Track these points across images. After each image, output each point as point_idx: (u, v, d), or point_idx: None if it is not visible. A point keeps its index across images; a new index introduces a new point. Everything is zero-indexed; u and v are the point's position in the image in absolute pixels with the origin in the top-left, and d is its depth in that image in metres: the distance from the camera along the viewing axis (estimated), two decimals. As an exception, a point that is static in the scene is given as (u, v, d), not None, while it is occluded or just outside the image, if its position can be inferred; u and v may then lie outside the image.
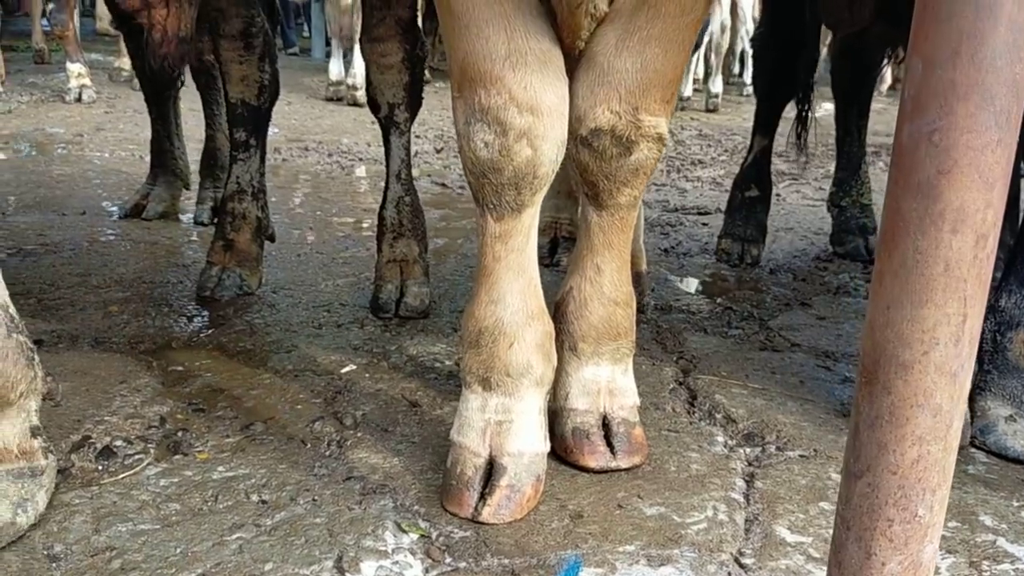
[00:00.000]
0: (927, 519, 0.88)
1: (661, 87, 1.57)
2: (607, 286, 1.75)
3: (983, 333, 1.90)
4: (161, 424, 1.88)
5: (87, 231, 3.42)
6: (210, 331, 2.45)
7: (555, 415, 1.79)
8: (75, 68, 7.16)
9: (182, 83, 3.72)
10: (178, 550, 1.44)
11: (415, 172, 2.79)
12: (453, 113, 1.58)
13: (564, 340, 1.77)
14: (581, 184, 1.70)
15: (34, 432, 1.48)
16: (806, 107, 3.63)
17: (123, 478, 1.66)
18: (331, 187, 4.65)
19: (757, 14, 8.32)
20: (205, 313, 2.59)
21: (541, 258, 1.95)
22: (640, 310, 2.27)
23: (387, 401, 2.05)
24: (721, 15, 9.15)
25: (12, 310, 1.46)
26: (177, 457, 1.75)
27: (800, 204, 4.78)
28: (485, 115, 1.49)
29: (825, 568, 1.14)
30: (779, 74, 3.46)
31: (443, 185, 4.85)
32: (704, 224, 4.15)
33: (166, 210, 3.73)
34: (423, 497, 1.64)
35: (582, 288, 1.76)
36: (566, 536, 1.53)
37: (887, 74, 9.78)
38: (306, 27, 14.67)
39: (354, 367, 2.24)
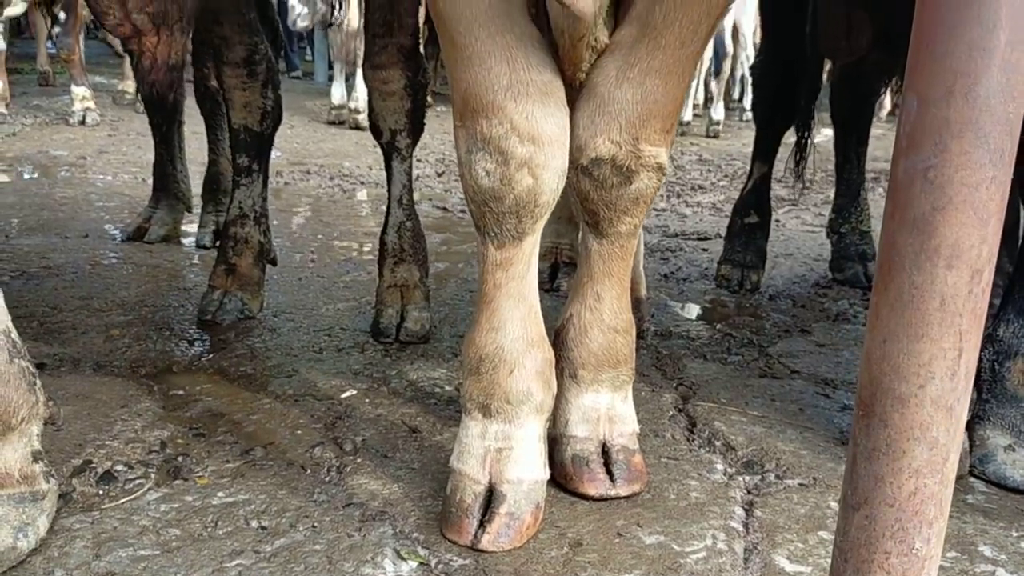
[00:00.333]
0: (924, 552, 0.88)
1: (661, 118, 1.58)
2: (607, 314, 1.76)
3: (981, 362, 1.91)
4: (162, 449, 1.89)
5: (89, 254, 3.43)
6: (211, 355, 2.45)
7: (554, 442, 1.80)
8: (80, 91, 7.22)
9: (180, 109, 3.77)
10: (177, 576, 1.44)
11: (416, 196, 2.81)
12: (455, 142, 1.59)
13: (564, 367, 1.78)
14: (582, 212, 1.71)
15: (36, 457, 1.49)
16: (805, 135, 3.65)
17: (124, 503, 1.66)
18: (332, 210, 4.67)
19: (758, 40, 8.39)
20: (206, 337, 2.60)
21: (541, 283, 1.97)
22: (640, 336, 2.28)
23: (387, 427, 2.06)
24: (724, 42, 9.22)
25: (14, 335, 1.47)
26: (177, 482, 1.75)
27: (799, 230, 4.80)
28: (487, 144, 1.51)
29: (824, 599, 1.14)
30: (779, 102, 3.49)
31: (444, 209, 4.87)
32: (704, 249, 4.16)
33: (168, 233, 3.75)
34: (422, 524, 1.64)
35: (582, 315, 1.77)
36: (565, 565, 1.53)
37: (886, 100, 9.84)
38: (309, 51, 14.78)
39: (354, 392, 2.25)
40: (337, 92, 8.41)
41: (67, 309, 2.75)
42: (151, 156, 3.94)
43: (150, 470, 1.79)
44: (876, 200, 5.05)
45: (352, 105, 8.13)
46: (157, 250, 3.60)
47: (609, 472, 1.75)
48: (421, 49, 2.66)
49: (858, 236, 3.70)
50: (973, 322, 0.82)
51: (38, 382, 1.50)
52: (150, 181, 4.01)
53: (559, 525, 1.65)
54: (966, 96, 0.78)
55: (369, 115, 2.70)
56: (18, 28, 10.97)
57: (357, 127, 7.94)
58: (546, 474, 1.65)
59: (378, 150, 2.79)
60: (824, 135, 4.88)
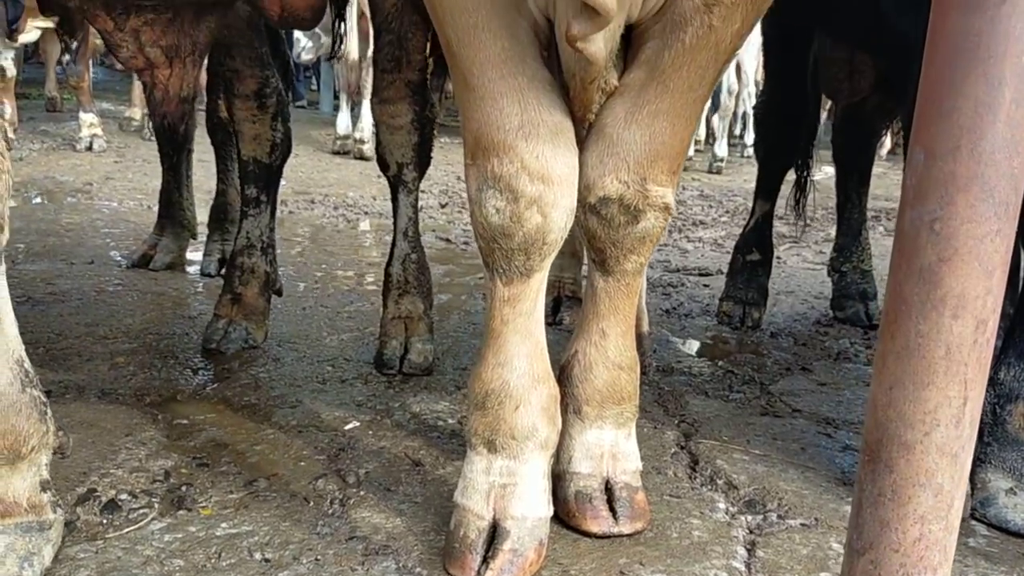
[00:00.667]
0: (929, 597, 0.89)
1: (668, 159, 1.61)
2: (612, 350, 1.77)
3: (983, 405, 1.91)
4: (166, 478, 1.89)
5: (95, 281, 3.45)
6: (215, 384, 2.46)
7: (558, 478, 1.80)
8: (87, 118, 7.28)
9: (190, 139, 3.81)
10: (181, 608, 1.44)
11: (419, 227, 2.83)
12: (466, 180, 1.62)
13: (568, 403, 1.79)
14: (589, 250, 1.73)
15: (43, 486, 1.49)
16: (805, 173, 3.69)
17: (128, 532, 1.67)
18: (336, 240, 4.70)
19: (760, 77, 8.48)
20: (211, 366, 2.61)
21: (544, 317, 1.98)
22: (642, 371, 2.29)
23: (390, 459, 2.06)
24: (728, 80, 9.32)
25: (27, 364, 1.49)
26: (181, 512, 1.76)
27: (801, 267, 4.82)
28: (497, 182, 1.53)
29: (827, 641, 1.15)
30: (781, 141, 3.53)
31: (447, 240, 4.90)
32: (705, 285, 4.19)
33: (173, 261, 3.77)
34: (425, 559, 1.64)
35: (587, 352, 1.78)
36: (568, 602, 1.53)
37: (887, 140, 9.92)
38: (315, 81, 14.90)
39: (358, 424, 2.26)
40: (342, 122, 8.48)
41: (72, 336, 2.76)
42: (157, 183, 3.97)
43: (154, 500, 1.80)
44: (877, 238, 5.08)
45: (357, 135, 8.19)
46: (162, 278, 3.62)
47: (612, 509, 1.75)
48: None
49: (859, 275, 3.72)
50: (978, 371, 0.84)
51: (49, 411, 1.52)
52: (155, 208, 4.04)
53: (562, 562, 1.65)
54: (972, 151, 0.80)
55: (376, 148, 2.73)
56: (26, 54, 11.06)
57: (362, 157, 7.99)
58: (550, 511, 1.66)
59: (382, 180, 2.82)
60: (825, 172, 4.93)
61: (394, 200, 2.74)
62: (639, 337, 2.67)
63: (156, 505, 1.78)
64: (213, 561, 1.59)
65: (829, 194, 4.11)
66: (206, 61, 2.62)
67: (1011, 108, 0.79)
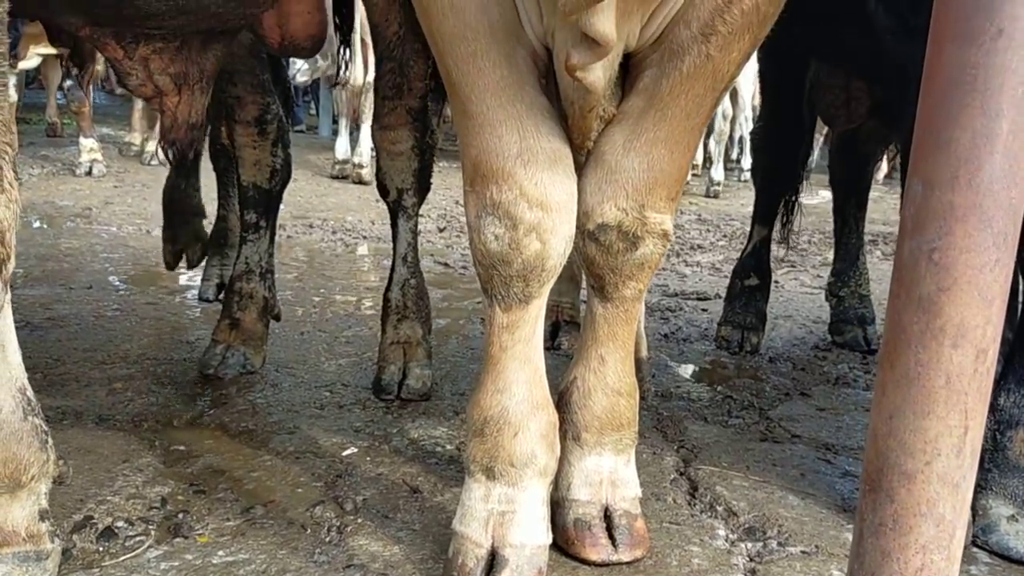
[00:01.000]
0: (932, 628, 0.88)
1: (666, 186, 1.62)
2: (611, 377, 1.77)
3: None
4: (162, 505, 1.88)
5: (93, 306, 3.45)
6: (213, 410, 2.45)
7: (556, 505, 1.79)
8: (88, 143, 7.31)
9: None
10: (177, 638, 1.43)
11: (417, 252, 2.84)
12: (465, 206, 1.62)
13: (567, 430, 1.79)
14: (587, 277, 1.74)
15: (42, 515, 1.48)
16: (793, 197, 3.70)
17: (124, 560, 1.66)
18: (334, 265, 4.70)
19: (756, 101, 8.53)
20: (208, 391, 2.60)
21: (543, 342, 1.98)
22: (641, 397, 2.28)
23: (388, 486, 2.05)
24: (722, 104, 9.36)
25: (30, 392, 1.49)
26: (178, 540, 1.75)
27: (798, 292, 4.83)
28: (496, 209, 1.54)
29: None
30: (779, 167, 3.55)
31: (446, 265, 4.90)
32: (704, 310, 4.19)
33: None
34: (424, 587, 1.63)
35: (586, 378, 1.78)
36: (567, 631, 1.52)
37: (883, 164, 9.96)
38: (313, 105, 14.97)
39: (355, 450, 2.25)
40: (341, 147, 8.51)
41: (70, 361, 2.76)
42: (156, 208, 3.98)
43: (151, 527, 1.79)
44: (874, 263, 5.10)
45: (356, 160, 8.22)
46: (160, 303, 3.62)
47: (611, 537, 1.74)
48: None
49: (857, 299, 3.72)
50: (979, 400, 0.84)
51: (50, 440, 1.51)
52: (155, 232, 4.06)
53: (561, 590, 1.65)
54: (970, 182, 0.80)
55: (376, 174, 2.75)
56: (27, 79, 11.12)
57: (360, 181, 8.02)
58: (549, 538, 1.65)
59: (381, 205, 2.83)
60: (821, 196, 4.95)
61: (393, 225, 2.74)
62: (638, 362, 2.67)
63: (153, 532, 1.77)
64: (210, 590, 1.58)
65: (826, 218, 4.12)
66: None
67: (1008, 139, 0.80)
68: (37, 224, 5.27)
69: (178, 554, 1.69)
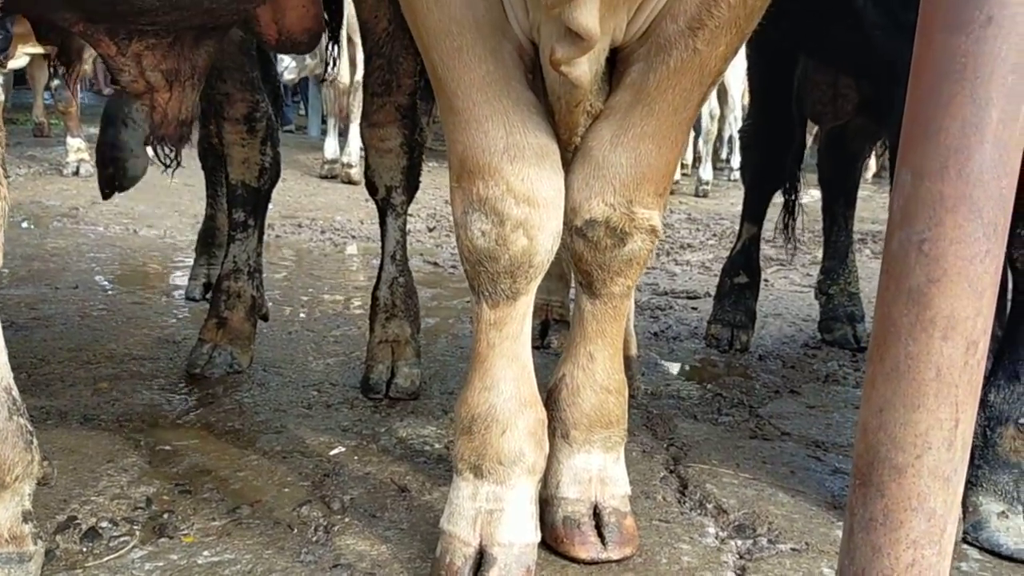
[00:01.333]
0: (923, 624, 0.87)
1: (654, 181, 1.61)
2: (600, 374, 1.76)
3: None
4: (147, 505, 1.86)
5: (79, 305, 3.42)
6: (199, 410, 2.43)
7: (545, 503, 1.78)
8: (75, 143, 7.27)
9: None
10: (161, 639, 1.41)
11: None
12: (451, 203, 1.61)
13: (556, 427, 1.77)
14: (576, 273, 1.72)
15: (26, 517, 1.46)
16: (793, 196, 3.71)
17: (108, 561, 1.64)
18: (323, 264, 4.68)
19: (746, 101, 8.54)
20: (194, 391, 2.58)
21: (532, 340, 1.97)
22: (631, 395, 2.28)
23: (376, 485, 2.04)
24: (710, 103, 9.37)
25: (15, 392, 1.47)
26: (163, 540, 1.73)
27: (788, 290, 4.83)
28: (483, 205, 1.52)
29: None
30: (767, 165, 3.54)
31: (435, 264, 4.89)
32: (693, 308, 4.18)
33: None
34: (411, 586, 1.61)
35: (575, 376, 1.77)
36: (556, 630, 1.50)
37: (871, 162, 9.99)
38: (303, 105, 14.93)
39: (343, 449, 2.23)
40: (330, 146, 8.48)
41: (55, 361, 2.73)
42: (143, 208, 3.98)
43: (135, 527, 1.77)
44: (864, 261, 5.10)
45: (345, 159, 8.19)
46: (146, 302, 3.59)
47: (600, 535, 1.73)
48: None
49: (847, 297, 3.72)
50: (969, 393, 0.83)
51: (35, 441, 1.49)
52: (142, 232, 4.04)
53: (550, 589, 1.63)
54: (960, 172, 0.79)
55: (365, 172, 2.73)
56: (14, 79, 11.05)
57: (350, 181, 7.99)
58: (537, 537, 1.64)
59: (370, 204, 2.82)
60: (811, 196, 4.95)
61: (382, 224, 2.73)
62: (627, 360, 2.66)
63: (137, 532, 1.75)
64: (195, 590, 1.56)
65: (815, 217, 4.12)
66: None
67: (999, 128, 0.79)
68: (24, 224, 5.23)
69: (163, 554, 1.67)
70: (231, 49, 2.65)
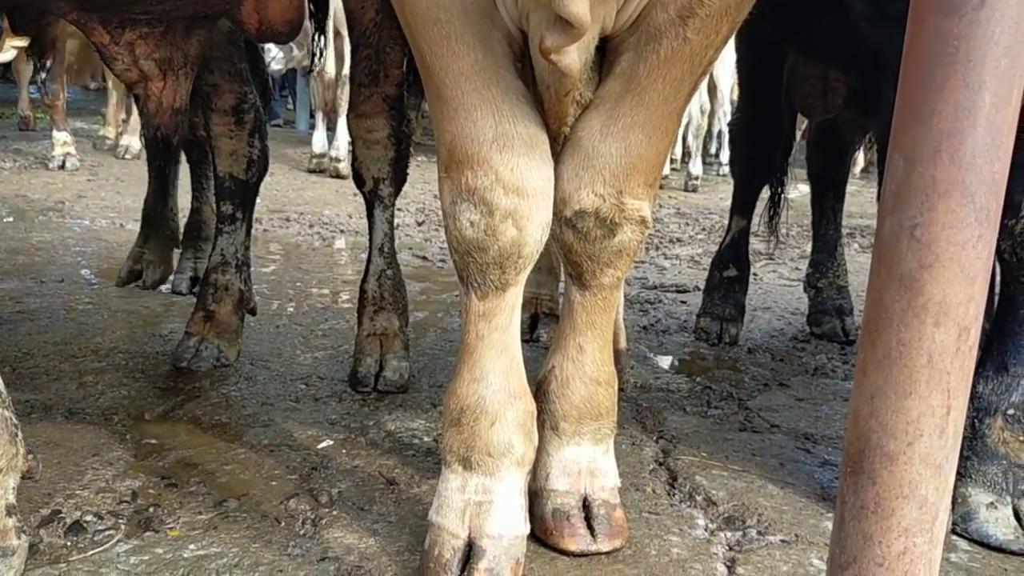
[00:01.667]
0: (914, 613, 0.87)
1: (644, 171, 1.59)
2: (589, 366, 1.75)
3: (961, 419, 1.90)
4: (133, 499, 1.84)
5: (65, 299, 3.39)
6: (185, 404, 2.41)
7: (535, 496, 1.77)
8: (61, 137, 7.22)
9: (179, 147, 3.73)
10: (146, 633, 1.39)
11: (395, 245, 2.80)
12: (440, 193, 1.60)
13: (545, 419, 1.76)
14: (565, 264, 1.71)
15: (9, 511, 1.44)
16: (779, 190, 3.70)
17: (92, 555, 1.62)
18: (311, 258, 4.66)
19: (735, 96, 8.54)
20: (181, 385, 2.56)
21: (521, 334, 1.97)
22: (620, 388, 2.27)
23: (364, 478, 2.02)
24: (700, 98, 9.37)
25: (0, 384, 1.45)
26: (148, 534, 1.71)
27: (777, 284, 4.83)
28: (472, 195, 1.51)
29: (810, 660, 1.12)
30: (756, 158, 3.54)
31: (424, 258, 4.87)
32: (683, 302, 4.18)
33: (163, 275, 3.68)
34: (400, 579, 1.60)
35: (564, 367, 1.76)
36: (545, 622, 1.50)
37: (859, 157, 10.01)
38: (291, 99, 14.87)
39: (331, 442, 2.21)
40: (318, 140, 8.45)
41: (40, 355, 2.70)
42: (129, 201, 3.94)
43: (120, 521, 1.75)
44: (852, 255, 5.11)
45: (333, 154, 8.16)
46: (133, 296, 3.56)
47: (590, 527, 1.72)
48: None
49: (835, 291, 3.72)
50: (961, 380, 0.82)
51: (20, 434, 1.47)
52: (128, 226, 4.01)
53: (539, 581, 1.62)
54: (952, 156, 0.79)
55: (352, 163, 2.71)
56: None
57: (338, 175, 7.96)
58: (527, 528, 1.63)
59: (358, 198, 2.80)
60: (800, 191, 4.95)
61: (370, 216, 2.71)
62: (617, 353, 2.65)
63: (122, 527, 1.73)
64: (180, 584, 1.54)
65: (804, 212, 4.13)
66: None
67: (991, 112, 0.78)
68: (8, 218, 5.19)
69: (148, 548, 1.66)
70: (219, 39, 2.63)
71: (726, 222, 3.76)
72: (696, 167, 9.55)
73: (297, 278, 4.12)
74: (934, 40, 0.79)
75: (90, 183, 6.63)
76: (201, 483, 1.95)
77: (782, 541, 1.85)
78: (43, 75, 7.18)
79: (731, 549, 1.80)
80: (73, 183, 6.57)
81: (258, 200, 3.01)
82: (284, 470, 2.04)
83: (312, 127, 8.99)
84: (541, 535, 1.73)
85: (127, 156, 7.82)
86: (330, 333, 3.20)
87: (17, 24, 2.46)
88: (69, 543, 1.65)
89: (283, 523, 1.79)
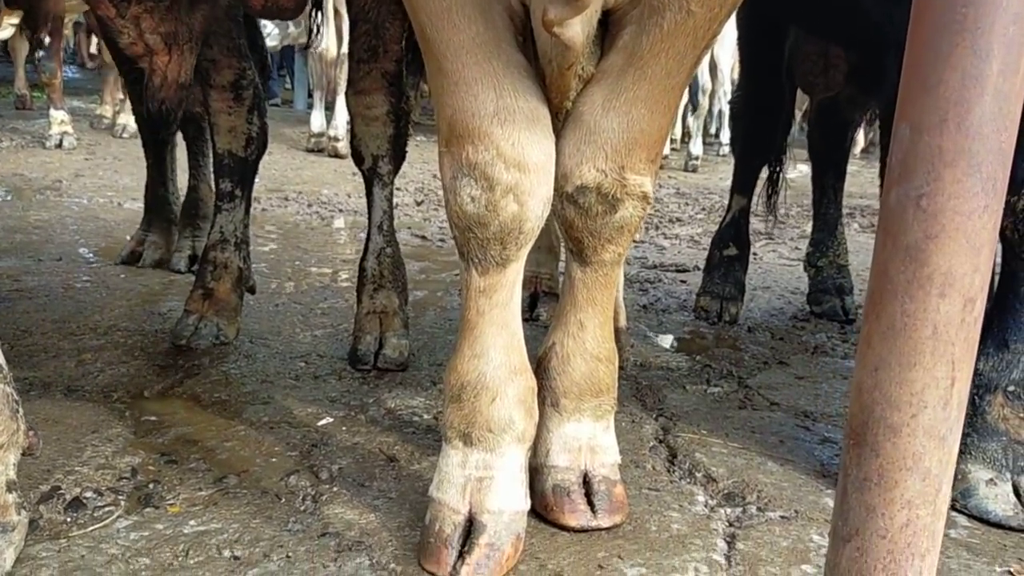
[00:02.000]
0: (916, 585, 0.87)
1: (647, 147, 1.58)
2: (590, 342, 1.75)
3: (962, 395, 1.90)
4: (132, 475, 1.85)
5: (63, 277, 3.38)
6: (185, 381, 2.41)
7: (535, 472, 1.77)
8: (58, 115, 7.18)
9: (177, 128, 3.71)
10: (147, 607, 1.40)
11: (395, 224, 2.79)
12: (440, 168, 1.58)
13: (546, 396, 1.76)
14: (566, 240, 1.70)
15: (9, 487, 1.44)
16: (778, 169, 3.69)
17: (92, 531, 1.62)
18: (310, 237, 4.64)
19: (736, 75, 8.49)
20: (180, 362, 2.56)
21: (521, 312, 1.96)
22: (620, 366, 2.27)
23: (364, 455, 2.03)
24: (701, 77, 9.33)
25: (1, 360, 1.44)
26: (148, 510, 1.71)
27: (777, 263, 4.82)
28: (472, 170, 1.50)
29: (810, 633, 1.12)
30: (757, 136, 3.53)
31: (423, 237, 4.86)
32: (682, 281, 4.17)
33: (162, 257, 3.68)
34: (400, 555, 1.60)
35: (565, 344, 1.75)
36: (546, 597, 1.50)
37: (860, 137, 9.98)
38: (288, 79, 14.79)
39: (331, 420, 2.21)
40: (317, 120, 8.41)
41: (39, 332, 2.70)
42: (127, 180, 3.92)
43: (120, 497, 1.75)
44: (852, 234, 5.10)
45: (331, 133, 8.12)
46: (131, 274, 3.55)
47: (590, 503, 1.73)
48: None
49: (835, 270, 3.72)
50: (966, 351, 0.82)
51: (20, 410, 1.47)
52: (126, 205, 3.99)
53: (539, 557, 1.63)
54: (959, 125, 0.78)
55: (351, 141, 2.69)
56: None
57: (336, 155, 7.93)
58: (527, 504, 1.63)
59: (357, 178, 2.79)
60: (800, 171, 4.94)
61: (368, 194, 2.70)
62: (617, 332, 2.64)
63: (122, 503, 1.73)
64: (180, 559, 1.54)
65: (804, 192, 4.11)
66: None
67: (999, 80, 0.77)
68: (6, 196, 5.17)
69: (148, 524, 1.66)
70: (218, 14, 2.60)
71: (726, 202, 3.75)
72: (696, 147, 9.52)
73: (296, 257, 4.11)
74: (941, 7, 0.78)
75: (87, 162, 6.60)
76: (201, 460, 1.95)
77: (782, 517, 1.85)
78: (40, 53, 7.14)
79: (731, 525, 1.80)
80: (70, 162, 6.54)
81: (257, 179, 3.00)
82: (284, 447, 2.04)
83: (310, 106, 8.94)
84: (541, 511, 1.74)
85: (124, 135, 7.78)
86: (329, 312, 3.19)
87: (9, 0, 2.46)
88: (69, 519, 1.66)
89: (283, 499, 1.79)
